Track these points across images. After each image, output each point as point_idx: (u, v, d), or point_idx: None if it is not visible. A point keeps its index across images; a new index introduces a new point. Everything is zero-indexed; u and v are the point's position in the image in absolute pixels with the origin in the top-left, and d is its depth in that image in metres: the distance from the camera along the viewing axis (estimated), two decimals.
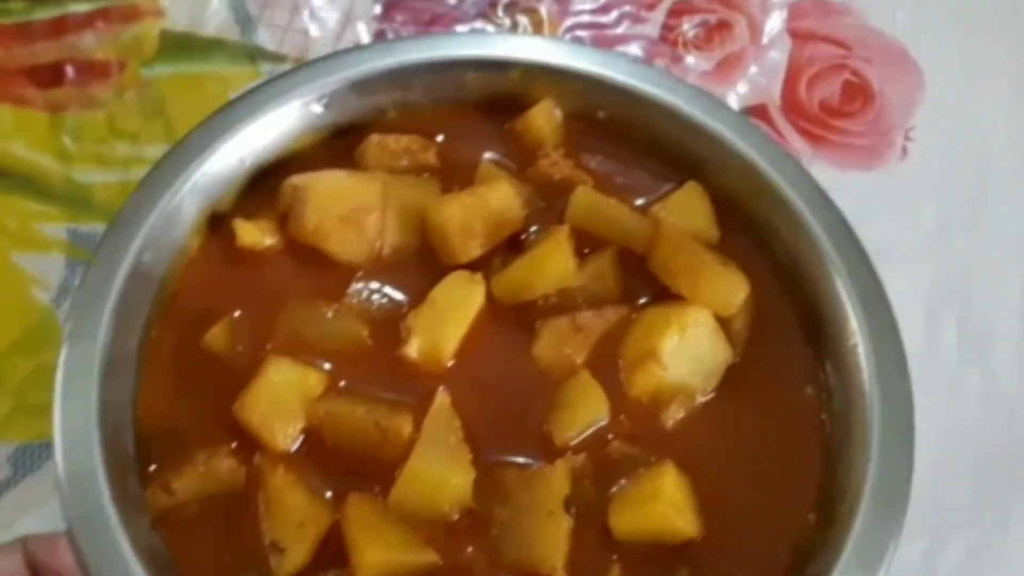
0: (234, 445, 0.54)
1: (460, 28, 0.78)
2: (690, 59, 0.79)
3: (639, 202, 0.62)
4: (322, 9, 0.79)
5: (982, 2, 0.84)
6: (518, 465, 0.54)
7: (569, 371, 0.56)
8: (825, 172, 0.73)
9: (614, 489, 0.54)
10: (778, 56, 0.80)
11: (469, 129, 0.64)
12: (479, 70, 0.63)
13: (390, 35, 0.79)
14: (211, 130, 0.59)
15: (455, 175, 0.62)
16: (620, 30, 0.80)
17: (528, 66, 0.63)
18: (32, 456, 0.65)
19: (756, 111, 0.78)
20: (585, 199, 0.60)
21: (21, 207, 0.72)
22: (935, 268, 0.73)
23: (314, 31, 0.79)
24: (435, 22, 0.78)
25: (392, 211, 0.59)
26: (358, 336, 0.57)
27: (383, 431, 0.54)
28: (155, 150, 0.72)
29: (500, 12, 0.79)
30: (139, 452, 0.54)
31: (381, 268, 0.59)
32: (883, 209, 0.74)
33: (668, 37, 0.80)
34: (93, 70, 0.76)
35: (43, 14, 0.78)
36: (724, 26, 0.80)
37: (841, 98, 0.79)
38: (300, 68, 0.63)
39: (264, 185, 0.61)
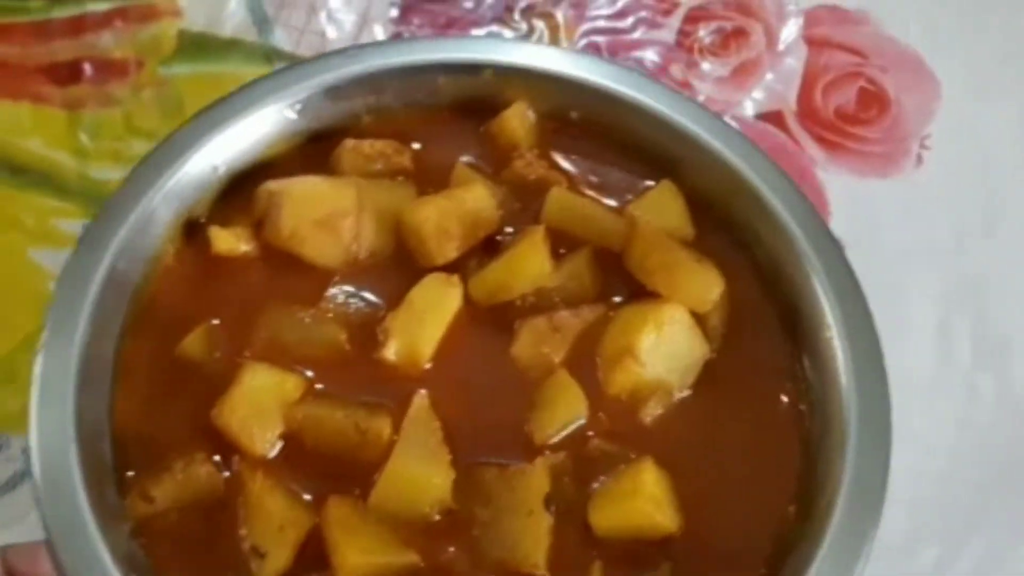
0: (213, 452, 0.54)
1: (476, 32, 0.79)
2: (706, 65, 0.79)
3: (614, 202, 0.62)
4: (339, 11, 0.79)
5: (998, 13, 0.85)
6: (498, 465, 0.54)
7: (547, 370, 0.56)
8: (841, 179, 0.75)
9: (594, 486, 0.54)
10: (794, 63, 0.80)
11: (443, 132, 0.64)
12: (451, 73, 0.63)
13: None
14: (184, 138, 0.59)
15: (430, 178, 0.62)
16: (636, 35, 0.80)
17: (499, 68, 0.63)
18: None
19: (772, 117, 0.78)
20: (560, 199, 0.60)
21: (38, 203, 0.72)
22: (950, 275, 0.73)
23: (331, 33, 0.79)
24: (451, 25, 0.79)
25: (368, 215, 0.59)
26: (336, 340, 0.57)
27: (362, 433, 0.54)
28: None
29: (517, 16, 0.79)
30: (117, 460, 0.54)
31: (358, 272, 0.59)
32: (898, 216, 0.74)
33: (684, 43, 0.80)
34: (111, 68, 0.77)
35: (62, 13, 0.78)
36: (740, 33, 0.81)
37: (857, 105, 0.79)
38: (274, 74, 0.63)
39: (240, 191, 0.61)
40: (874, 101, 0.79)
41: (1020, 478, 0.68)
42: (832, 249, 0.60)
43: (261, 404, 0.54)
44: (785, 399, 0.58)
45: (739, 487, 0.56)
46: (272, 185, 0.59)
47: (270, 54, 0.78)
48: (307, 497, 0.54)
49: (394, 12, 0.80)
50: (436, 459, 0.53)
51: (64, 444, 0.52)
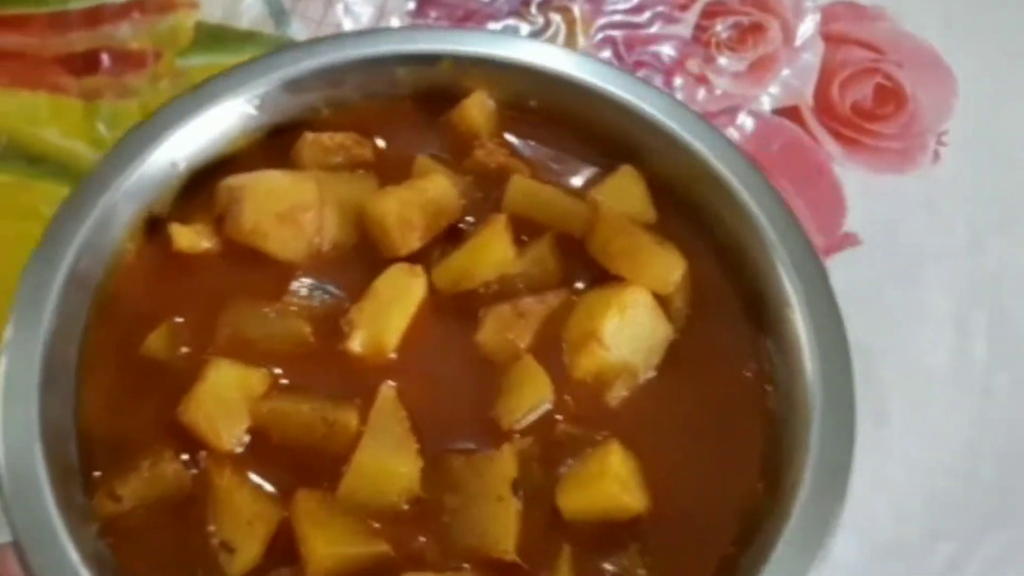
0: (180, 449, 0.54)
1: (493, 25, 0.78)
2: (722, 60, 0.79)
3: (575, 187, 0.63)
4: (356, 3, 0.79)
5: (1015, 8, 0.84)
6: (466, 452, 0.54)
7: (513, 357, 0.57)
8: (857, 175, 0.74)
9: (561, 470, 0.54)
10: (811, 58, 0.80)
11: (404, 123, 0.64)
12: (409, 65, 0.63)
13: None
14: (143, 135, 0.59)
15: (392, 170, 0.62)
16: (653, 30, 0.80)
17: (457, 58, 0.63)
18: None
19: (789, 112, 0.78)
20: (521, 187, 0.61)
21: (55, 193, 0.71)
22: (966, 272, 0.72)
23: (348, 25, 0.78)
24: (468, 19, 0.78)
25: (330, 208, 0.59)
26: (301, 334, 0.57)
27: (329, 425, 0.54)
28: None
29: (533, 10, 0.79)
30: (83, 460, 0.54)
31: (321, 265, 0.59)
32: (915, 213, 0.74)
33: (701, 38, 0.80)
34: (128, 59, 0.77)
35: (79, 4, 0.78)
36: (757, 28, 0.80)
37: (874, 101, 0.78)
38: (232, 70, 0.63)
39: (201, 188, 0.61)
40: (891, 97, 0.79)
41: None
42: (794, 229, 0.60)
43: (227, 399, 0.54)
44: (749, 378, 0.59)
45: (705, 467, 0.56)
46: (232, 180, 0.59)
47: (287, 46, 0.77)
48: (275, 491, 0.54)
49: (411, 5, 0.79)
50: (403, 448, 0.53)
51: (29, 444, 0.51)
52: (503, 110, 0.64)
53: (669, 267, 0.58)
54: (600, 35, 0.79)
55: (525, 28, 0.78)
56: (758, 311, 0.60)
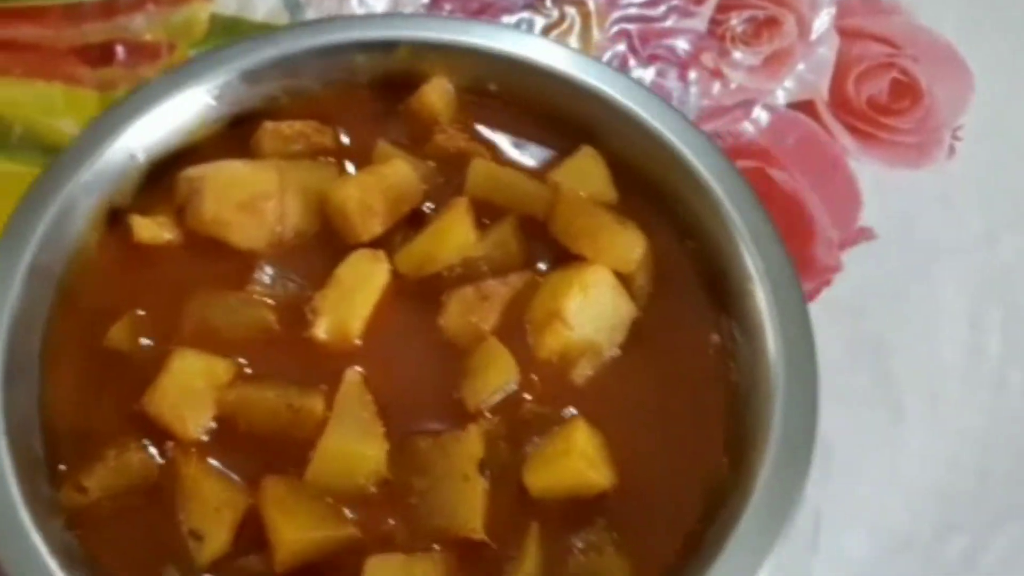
0: (146, 439, 0.54)
1: (507, 19, 0.77)
2: (737, 54, 0.78)
3: (536, 169, 0.63)
4: None
5: None
6: (432, 433, 0.55)
7: (477, 339, 0.57)
8: (873, 169, 0.74)
9: (528, 449, 0.54)
10: (826, 53, 0.79)
11: (363, 111, 0.64)
12: (367, 52, 0.64)
13: None
14: (101, 128, 0.60)
15: (352, 157, 0.62)
16: (668, 24, 0.79)
17: (415, 44, 0.63)
18: None
19: (804, 107, 0.77)
20: (482, 170, 0.61)
21: None
22: (981, 267, 0.72)
23: None
24: (483, 12, 0.77)
25: (291, 196, 0.60)
26: (265, 322, 0.57)
27: (295, 412, 0.54)
28: None
29: (548, 3, 0.78)
30: (48, 453, 0.54)
31: (284, 253, 0.59)
32: (930, 207, 0.74)
33: (716, 32, 0.79)
34: (143, 51, 0.76)
35: None
36: (772, 22, 0.80)
37: (889, 96, 0.78)
38: (190, 61, 0.63)
39: (163, 179, 0.61)
40: (907, 92, 0.78)
41: None
42: (752, 204, 0.60)
43: (191, 389, 0.54)
44: (712, 354, 0.59)
45: (670, 443, 0.56)
46: (192, 171, 0.59)
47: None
48: (243, 478, 0.54)
49: None
50: (370, 432, 0.53)
51: None
52: (462, 95, 0.64)
53: (630, 246, 0.58)
54: (615, 28, 0.79)
55: (540, 21, 0.78)
56: (720, 288, 0.60)
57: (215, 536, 0.52)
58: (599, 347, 0.57)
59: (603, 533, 0.53)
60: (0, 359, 0.53)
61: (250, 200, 0.59)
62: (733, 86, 0.77)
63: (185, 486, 0.53)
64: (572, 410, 0.56)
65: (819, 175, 0.74)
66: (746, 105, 0.76)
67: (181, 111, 0.61)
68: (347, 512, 0.53)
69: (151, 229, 0.59)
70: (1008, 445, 0.67)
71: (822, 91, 0.78)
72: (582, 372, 0.57)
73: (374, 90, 0.64)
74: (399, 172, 0.59)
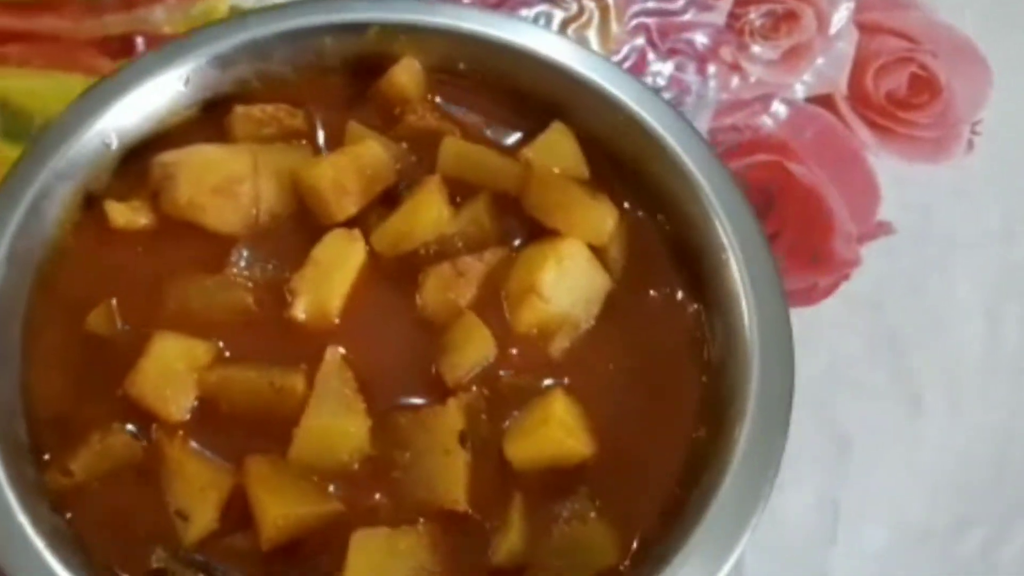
0: (130, 422, 0.54)
1: (526, 12, 0.78)
2: (756, 48, 0.78)
3: (508, 147, 0.63)
4: None
5: None
6: (413, 408, 0.55)
7: (455, 315, 0.57)
8: (891, 164, 0.75)
9: (508, 422, 0.55)
10: (845, 47, 0.80)
11: (334, 93, 0.64)
12: (337, 34, 0.64)
13: None
14: (72, 115, 0.60)
15: (325, 138, 0.63)
16: (687, 17, 0.79)
17: (383, 25, 0.63)
18: None
19: (823, 101, 0.78)
20: (454, 148, 0.61)
21: None
22: (998, 262, 0.73)
23: None
24: (502, 5, 0.78)
25: (265, 178, 0.60)
26: (243, 304, 0.58)
27: (277, 391, 0.55)
28: None
29: None
30: (33, 438, 0.55)
31: (260, 235, 0.59)
32: (948, 202, 0.74)
33: (735, 26, 0.79)
34: (162, 43, 0.75)
35: None
36: (791, 16, 0.80)
37: (908, 90, 0.78)
38: (161, 48, 0.63)
39: (137, 165, 0.61)
40: (925, 86, 0.79)
41: None
42: (722, 175, 0.61)
43: (173, 371, 0.55)
44: (687, 327, 0.60)
45: (648, 413, 0.57)
46: (165, 156, 0.60)
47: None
48: (227, 458, 0.54)
49: None
50: (351, 409, 0.54)
51: None
52: (432, 74, 0.65)
53: (602, 218, 0.59)
54: (633, 22, 0.79)
55: (559, 14, 0.78)
56: (694, 260, 0.61)
57: (201, 515, 0.52)
58: (575, 320, 0.58)
59: (585, 501, 0.54)
60: None
61: (224, 183, 0.59)
62: (752, 80, 0.78)
63: (170, 467, 0.53)
64: (550, 382, 0.57)
65: (838, 169, 0.75)
66: (765, 99, 0.77)
67: (153, 97, 0.62)
68: (331, 488, 0.54)
69: (126, 214, 0.59)
70: None
71: (841, 85, 0.78)
72: (559, 344, 0.58)
73: (345, 72, 0.65)
74: (372, 152, 0.60)
